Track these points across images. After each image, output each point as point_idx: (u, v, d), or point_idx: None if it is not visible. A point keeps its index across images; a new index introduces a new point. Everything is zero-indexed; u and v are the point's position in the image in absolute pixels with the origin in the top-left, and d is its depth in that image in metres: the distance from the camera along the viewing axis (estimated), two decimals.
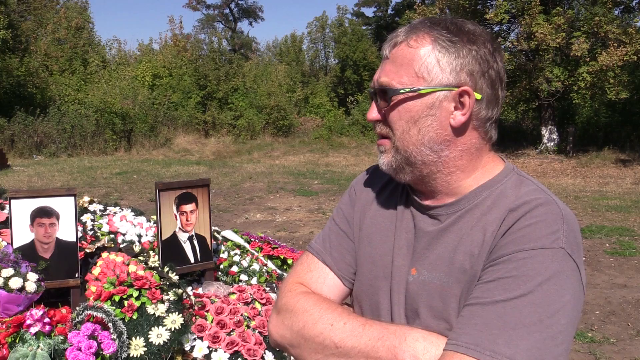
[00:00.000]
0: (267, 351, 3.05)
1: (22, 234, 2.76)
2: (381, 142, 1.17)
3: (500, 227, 1.04)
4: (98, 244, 3.35)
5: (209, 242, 3.38)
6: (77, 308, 2.65)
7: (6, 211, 3.23)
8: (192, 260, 3.31)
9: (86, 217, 3.70)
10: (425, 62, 1.09)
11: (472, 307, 0.99)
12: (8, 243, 2.82)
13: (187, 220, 3.26)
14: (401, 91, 1.10)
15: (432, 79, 1.08)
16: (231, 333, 2.98)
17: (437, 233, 1.13)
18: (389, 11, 39.48)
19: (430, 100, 1.09)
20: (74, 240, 2.85)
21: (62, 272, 2.83)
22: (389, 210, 1.25)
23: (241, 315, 3.14)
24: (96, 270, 2.95)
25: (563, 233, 1.00)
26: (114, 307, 2.72)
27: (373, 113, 1.17)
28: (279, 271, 4.17)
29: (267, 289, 3.64)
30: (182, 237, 3.26)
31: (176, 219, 3.24)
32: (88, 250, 3.26)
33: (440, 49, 1.08)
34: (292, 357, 1.21)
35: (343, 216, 1.34)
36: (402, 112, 1.12)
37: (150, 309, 2.75)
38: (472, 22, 1.14)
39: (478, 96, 1.09)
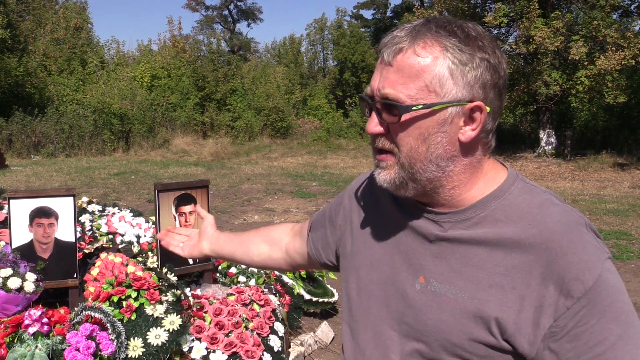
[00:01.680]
0: (265, 352, 3.05)
1: (21, 234, 2.76)
2: (383, 158, 1.09)
3: (542, 269, 1.00)
4: (97, 245, 3.35)
5: None
6: (76, 308, 2.66)
7: (5, 211, 3.23)
8: (191, 262, 3.31)
9: (85, 218, 3.70)
10: (438, 75, 1.00)
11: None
12: (7, 243, 2.82)
13: (186, 221, 3.27)
14: (413, 108, 1.01)
15: (445, 94, 1.01)
16: (229, 334, 2.99)
17: (448, 242, 1.09)
18: (388, 14, 39.58)
19: (442, 117, 1.02)
20: (73, 240, 2.86)
21: (61, 273, 2.83)
22: (389, 214, 1.22)
23: (239, 316, 3.14)
24: (95, 271, 2.95)
25: (597, 241, 1.02)
26: (113, 308, 2.72)
27: (376, 126, 1.07)
28: (277, 273, 4.18)
29: (266, 290, 3.64)
30: None
31: (175, 220, 3.24)
32: (87, 251, 3.26)
33: (453, 60, 1.00)
34: None
35: (331, 215, 1.44)
36: (412, 129, 1.03)
37: (148, 310, 2.75)
38: (473, 24, 1.07)
39: (488, 109, 1.03)
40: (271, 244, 1.60)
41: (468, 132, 1.03)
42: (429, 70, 1.00)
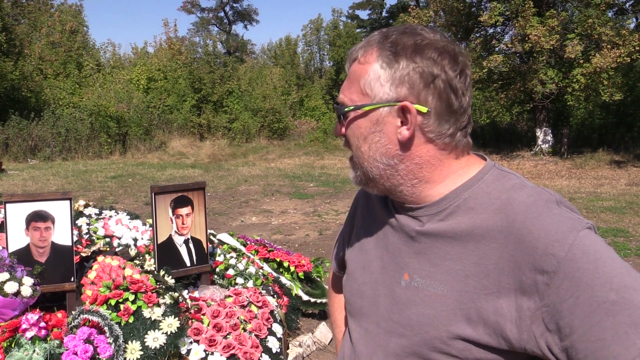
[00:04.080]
0: (263, 354, 3.05)
1: (18, 238, 2.75)
2: (351, 158, 1.19)
3: (512, 251, 1.00)
4: (94, 248, 3.35)
5: (204, 246, 3.38)
6: (73, 312, 2.65)
7: (1, 215, 3.22)
8: (188, 264, 3.31)
9: (82, 221, 3.69)
10: (369, 79, 1.08)
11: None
12: (3, 247, 2.81)
13: (182, 224, 3.26)
14: (346, 109, 1.12)
15: (375, 95, 1.08)
16: (228, 336, 2.98)
17: (426, 237, 1.12)
18: (384, 14, 39.59)
19: (375, 117, 1.09)
20: (70, 244, 2.85)
21: (58, 276, 2.83)
22: (380, 216, 1.26)
23: (237, 318, 3.14)
24: (92, 274, 2.94)
25: (570, 214, 1.00)
26: (110, 311, 2.71)
27: (337, 130, 1.18)
28: (275, 274, 4.17)
29: (264, 292, 3.64)
30: (178, 240, 3.26)
31: (172, 223, 3.24)
32: (84, 254, 3.26)
33: (382, 64, 1.07)
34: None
35: (345, 229, 1.49)
36: (354, 130, 1.13)
37: (146, 313, 2.74)
38: (431, 30, 1.10)
39: (423, 109, 1.06)
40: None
41: (403, 132, 1.08)
42: (363, 75, 1.10)
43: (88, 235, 3.57)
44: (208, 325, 2.99)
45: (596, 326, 0.91)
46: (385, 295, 1.18)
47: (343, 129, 1.16)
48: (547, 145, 19.60)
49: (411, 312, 1.11)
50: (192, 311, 3.03)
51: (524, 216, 1.00)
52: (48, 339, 2.50)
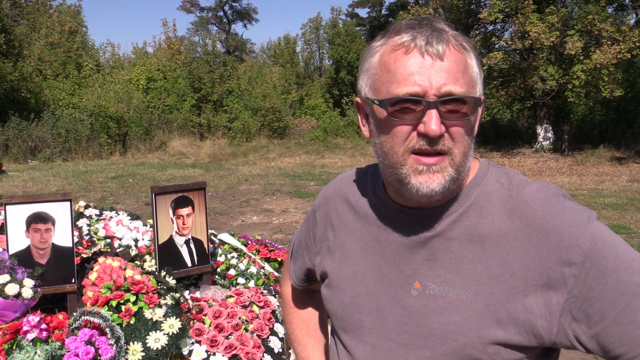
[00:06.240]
0: (265, 354, 3.04)
1: (18, 239, 2.74)
2: (439, 160, 1.00)
3: (537, 247, 1.00)
4: (94, 249, 3.33)
5: (205, 246, 3.36)
6: (74, 314, 2.64)
7: (1, 217, 3.21)
8: (189, 264, 3.29)
9: (82, 222, 3.68)
10: (475, 70, 1.02)
11: None
12: (4, 249, 2.80)
13: (183, 224, 3.25)
14: (480, 100, 1.03)
15: (479, 87, 1.03)
16: (229, 337, 2.97)
17: (438, 241, 1.07)
18: (383, 12, 39.55)
19: (477, 110, 1.04)
20: (70, 245, 2.84)
21: (59, 278, 2.82)
22: (370, 224, 1.19)
23: (239, 318, 3.13)
24: (93, 275, 2.93)
25: (579, 206, 1.02)
26: (111, 312, 2.70)
27: (441, 127, 0.98)
28: (276, 274, 4.16)
29: (265, 291, 3.63)
30: (179, 240, 3.25)
31: (172, 223, 3.22)
32: (84, 255, 3.25)
33: (476, 55, 1.03)
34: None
35: (307, 241, 1.40)
36: (467, 124, 1.01)
37: (147, 314, 2.73)
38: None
39: None
40: (311, 327, 1.56)
41: (476, 124, 1.07)
42: (469, 65, 1.02)
43: (89, 237, 3.56)
44: (210, 325, 2.99)
45: (626, 309, 0.93)
46: (391, 307, 1.12)
47: (443, 127, 0.99)
48: (547, 142, 19.59)
49: (432, 322, 1.06)
50: (193, 312, 3.02)
51: (543, 212, 1.01)
52: (49, 340, 2.50)
